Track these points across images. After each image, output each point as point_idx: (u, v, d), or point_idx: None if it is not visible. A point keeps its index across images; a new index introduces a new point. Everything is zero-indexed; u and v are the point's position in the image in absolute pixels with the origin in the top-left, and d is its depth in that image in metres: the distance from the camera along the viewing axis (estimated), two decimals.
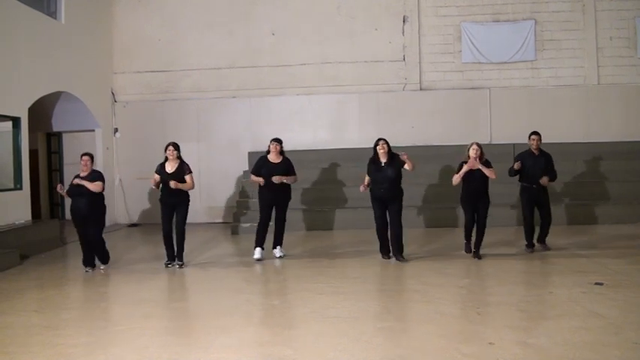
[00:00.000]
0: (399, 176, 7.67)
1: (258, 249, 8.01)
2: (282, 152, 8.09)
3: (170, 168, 7.68)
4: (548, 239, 8.23)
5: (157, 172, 7.76)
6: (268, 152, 8.09)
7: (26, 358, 4.29)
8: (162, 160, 7.84)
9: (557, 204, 10.75)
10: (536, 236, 8.16)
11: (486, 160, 7.75)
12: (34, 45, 10.18)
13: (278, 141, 8.10)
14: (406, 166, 7.54)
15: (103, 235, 7.73)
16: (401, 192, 7.74)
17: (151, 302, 5.89)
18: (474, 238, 7.81)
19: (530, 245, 8.05)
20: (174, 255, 7.82)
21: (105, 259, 7.76)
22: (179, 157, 7.75)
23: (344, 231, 10.58)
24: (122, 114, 13.20)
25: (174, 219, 7.76)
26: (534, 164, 7.96)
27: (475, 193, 7.70)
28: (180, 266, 7.77)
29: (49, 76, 10.71)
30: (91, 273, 7.55)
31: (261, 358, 4.17)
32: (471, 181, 7.66)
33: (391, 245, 7.80)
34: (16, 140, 9.84)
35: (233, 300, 5.99)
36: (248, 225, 11.03)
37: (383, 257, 7.88)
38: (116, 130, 13.22)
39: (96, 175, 7.44)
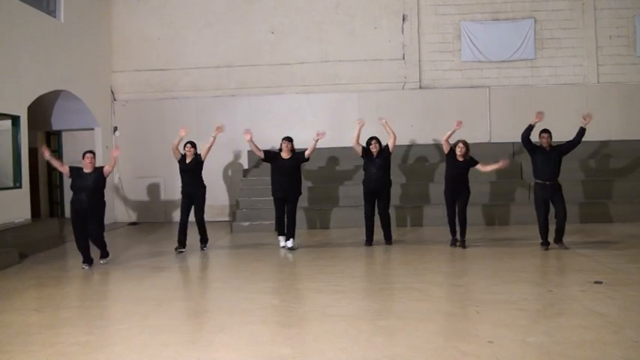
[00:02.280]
0: (388, 164, 8.76)
1: (281, 237, 8.98)
2: (292, 149, 8.85)
3: (188, 161, 8.84)
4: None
5: (179, 160, 8.91)
6: (280, 150, 8.86)
7: (25, 357, 4.29)
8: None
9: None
10: (552, 237, 8.08)
11: (471, 157, 8.40)
12: (34, 44, 10.17)
13: (289, 139, 8.87)
14: (389, 142, 8.73)
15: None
16: (389, 183, 8.84)
17: (150, 301, 5.89)
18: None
19: (544, 243, 8.03)
20: (185, 242, 8.79)
21: (105, 253, 7.99)
22: (195, 154, 8.87)
23: (344, 229, 10.59)
24: (121, 112, 13.20)
25: (191, 210, 8.89)
26: (546, 160, 7.96)
27: (456, 184, 8.41)
28: (203, 248, 8.95)
29: (49, 74, 10.70)
30: (88, 270, 7.60)
31: (260, 357, 4.17)
32: (453, 170, 8.37)
33: (383, 231, 8.82)
34: (15, 139, 9.83)
35: (232, 299, 5.99)
36: (247, 224, 11.04)
37: (365, 244, 8.80)
38: (115, 128, 13.22)
39: (100, 170, 7.76)
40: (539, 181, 8.01)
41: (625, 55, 12.38)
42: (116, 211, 13.04)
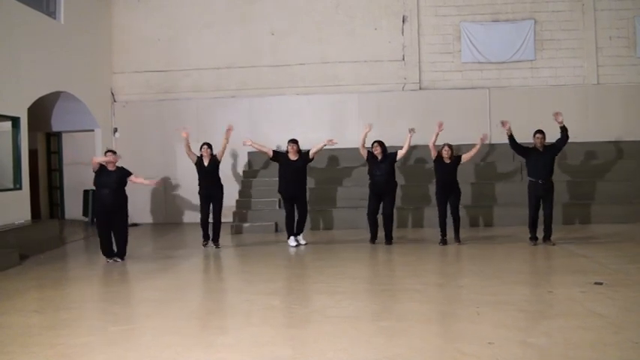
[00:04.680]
0: (392, 168, 8.99)
1: (291, 237, 9.12)
2: (299, 151, 9.15)
3: (206, 162, 9.11)
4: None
5: (196, 162, 9.15)
6: (287, 151, 9.16)
7: (26, 358, 4.28)
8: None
9: (557, 203, 10.77)
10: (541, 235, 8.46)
11: (455, 156, 8.87)
12: (34, 45, 10.17)
13: (295, 141, 9.19)
14: (400, 151, 8.97)
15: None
16: (395, 184, 9.08)
17: (151, 302, 5.89)
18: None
19: (533, 238, 8.41)
20: (209, 236, 9.21)
21: (123, 252, 8.22)
22: (212, 154, 9.13)
23: (344, 230, 10.59)
24: (121, 114, 13.20)
25: (210, 209, 9.18)
26: (539, 160, 8.34)
27: (446, 184, 8.78)
28: (217, 247, 9.14)
29: (49, 76, 10.71)
30: (112, 263, 8.03)
31: (261, 358, 4.17)
32: (443, 173, 8.74)
33: (384, 230, 8.93)
34: (15, 140, 9.84)
35: (233, 300, 6.00)
36: (248, 225, 11.05)
37: (370, 242, 8.99)
38: (115, 130, 13.22)
39: (125, 171, 8.23)
40: (533, 180, 8.39)
41: (625, 56, 12.37)
42: None
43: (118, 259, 8.14)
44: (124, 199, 8.24)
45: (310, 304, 5.75)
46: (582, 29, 12.42)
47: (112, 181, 8.03)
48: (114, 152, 8.25)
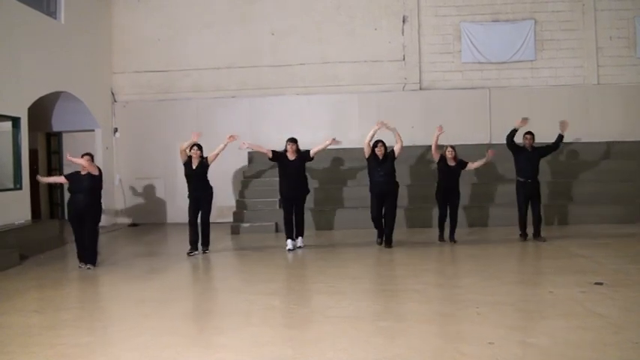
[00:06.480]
0: (393, 168, 8.68)
1: (288, 240, 8.80)
2: (298, 150, 8.88)
3: (195, 164, 8.65)
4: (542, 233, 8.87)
5: (184, 163, 8.70)
6: (286, 150, 8.85)
7: (26, 358, 4.29)
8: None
9: (557, 203, 10.79)
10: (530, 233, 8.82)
11: (460, 160, 8.89)
12: (34, 45, 10.17)
13: (294, 140, 8.91)
14: (395, 147, 8.63)
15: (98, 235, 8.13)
16: (396, 185, 8.77)
17: (150, 302, 5.89)
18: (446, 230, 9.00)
19: (523, 235, 8.82)
20: (197, 245, 8.64)
21: (93, 259, 7.85)
22: (201, 156, 8.69)
23: (345, 230, 10.59)
24: (122, 114, 13.20)
25: (199, 212, 8.68)
26: (528, 160, 8.71)
27: (448, 188, 8.84)
28: (204, 251, 8.68)
29: (49, 76, 10.70)
30: (85, 269, 7.72)
31: (261, 359, 4.17)
32: (445, 177, 8.83)
33: (385, 232, 8.72)
34: (15, 140, 9.84)
35: (233, 300, 5.99)
36: (248, 225, 11.04)
37: (377, 243, 8.87)
38: (116, 130, 13.22)
39: (98, 175, 7.87)
40: (522, 179, 8.71)
41: (625, 57, 12.38)
42: (116, 212, 13.03)
43: (90, 266, 7.74)
44: (98, 204, 7.95)
45: (310, 304, 5.75)
46: (582, 29, 12.42)
47: (85, 186, 7.71)
48: (91, 156, 7.97)
